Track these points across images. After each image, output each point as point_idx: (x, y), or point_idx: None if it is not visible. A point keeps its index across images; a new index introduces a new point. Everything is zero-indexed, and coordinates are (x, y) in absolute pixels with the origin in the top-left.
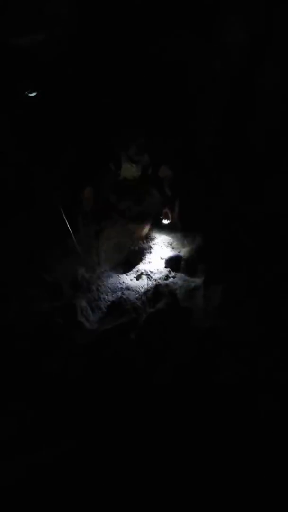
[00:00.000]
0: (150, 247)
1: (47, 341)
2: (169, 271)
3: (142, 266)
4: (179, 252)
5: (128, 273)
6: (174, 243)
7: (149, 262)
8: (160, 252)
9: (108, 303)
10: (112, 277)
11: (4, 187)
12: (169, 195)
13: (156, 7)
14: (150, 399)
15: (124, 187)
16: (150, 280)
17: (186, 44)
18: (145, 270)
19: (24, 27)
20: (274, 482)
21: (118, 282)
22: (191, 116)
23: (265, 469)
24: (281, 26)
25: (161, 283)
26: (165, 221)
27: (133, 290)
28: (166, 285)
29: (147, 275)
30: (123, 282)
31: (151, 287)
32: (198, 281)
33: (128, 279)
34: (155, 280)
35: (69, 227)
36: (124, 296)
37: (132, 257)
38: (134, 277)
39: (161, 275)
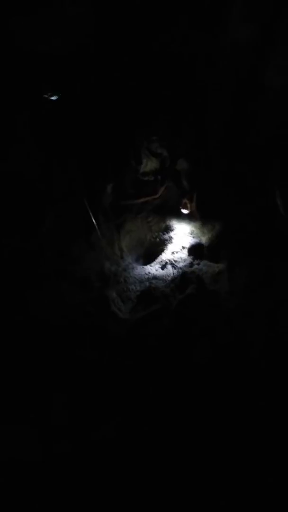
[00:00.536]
0: (171, 238)
1: (86, 332)
2: (193, 259)
3: (165, 256)
4: (199, 240)
5: (152, 264)
6: (194, 232)
7: (172, 252)
8: (181, 242)
9: (138, 293)
10: (137, 269)
11: (31, 184)
12: (186, 186)
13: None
14: (191, 379)
15: (144, 181)
16: (175, 269)
17: (193, 39)
18: (169, 260)
19: (42, 33)
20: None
21: (144, 273)
22: (203, 110)
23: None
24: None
25: (187, 270)
26: (184, 211)
27: (160, 279)
28: (192, 271)
29: (172, 264)
30: (149, 273)
31: (177, 275)
32: (222, 266)
33: (153, 269)
34: (180, 268)
35: (94, 221)
36: (152, 285)
37: (154, 248)
38: (159, 267)
39: (185, 263)
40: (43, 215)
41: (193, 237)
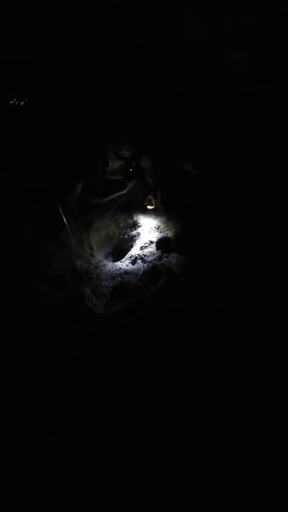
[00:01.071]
0: (139, 233)
1: (64, 329)
2: (161, 252)
3: (135, 252)
4: (166, 234)
5: (122, 260)
6: (161, 227)
7: (141, 247)
8: (149, 236)
9: (111, 288)
10: (108, 265)
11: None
12: (150, 183)
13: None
14: (171, 367)
15: (111, 180)
16: (145, 263)
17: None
18: (138, 255)
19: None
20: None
21: (115, 269)
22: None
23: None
24: None
25: (156, 263)
26: (149, 207)
27: (132, 274)
28: (162, 264)
29: (142, 258)
30: (120, 268)
31: (148, 269)
32: (188, 257)
33: (124, 265)
34: (150, 262)
35: (66, 221)
36: (125, 280)
37: (123, 244)
38: (130, 262)
39: (154, 257)
40: (22, 220)
41: (160, 232)
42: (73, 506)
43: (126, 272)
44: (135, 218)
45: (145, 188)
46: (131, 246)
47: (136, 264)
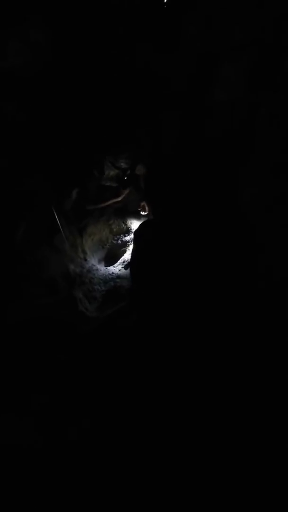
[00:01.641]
0: (132, 239)
1: (56, 332)
2: None
3: (127, 257)
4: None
5: (115, 265)
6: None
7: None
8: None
9: (103, 292)
10: (101, 270)
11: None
12: (145, 190)
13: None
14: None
15: (107, 187)
16: None
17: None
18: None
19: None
20: None
21: (108, 273)
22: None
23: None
24: None
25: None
26: (143, 213)
27: (124, 278)
28: None
29: None
30: (113, 273)
31: None
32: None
33: (117, 269)
34: None
35: (60, 225)
36: (117, 284)
37: (117, 249)
38: (122, 267)
39: None
40: (16, 222)
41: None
42: (66, 505)
43: (118, 277)
44: (128, 224)
45: (139, 194)
46: (124, 251)
47: (128, 269)
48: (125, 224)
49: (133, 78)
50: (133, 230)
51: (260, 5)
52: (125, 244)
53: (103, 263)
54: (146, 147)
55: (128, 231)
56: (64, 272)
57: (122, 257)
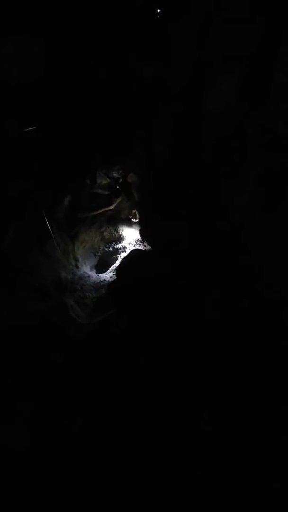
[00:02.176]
0: (124, 247)
1: (48, 336)
2: None
3: (119, 264)
4: (150, 248)
5: (107, 272)
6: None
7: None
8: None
9: (94, 299)
10: (92, 277)
11: None
12: (136, 197)
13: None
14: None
15: (99, 194)
16: None
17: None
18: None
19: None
20: None
21: (99, 280)
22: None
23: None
24: None
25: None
26: (134, 220)
27: None
28: None
29: None
30: (104, 280)
31: None
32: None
33: (108, 277)
34: None
35: (52, 232)
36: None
37: (108, 257)
38: (114, 274)
39: None
40: (5, 228)
41: (145, 246)
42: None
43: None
44: (120, 231)
45: (130, 202)
46: (116, 259)
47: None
48: (117, 232)
49: (127, 87)
50: (125, 237)
51: (252, 22)
52: (117, 251)
53: (94, 270)
54: (138, 156)
55: (120, 239)
56: (55, 279)
57: (114, 265)
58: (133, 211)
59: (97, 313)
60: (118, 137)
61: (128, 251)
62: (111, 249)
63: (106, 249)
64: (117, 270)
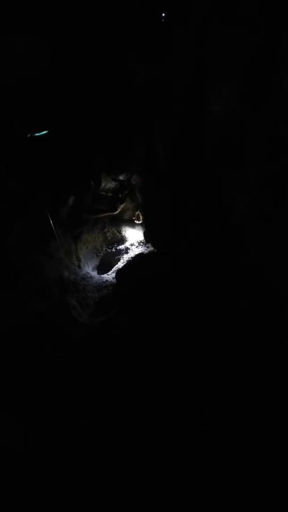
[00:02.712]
0: (127, 248)
1: (49, 336)
2: None
3: (121, 265)
4: (153, 249)
5: (109, 273)
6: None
7: (127, 260)
8: (136, 251)
9: (96, 300)
10: (95, 278)
11: None
12: (139, 199)
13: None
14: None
15: (103, 196)
16: None
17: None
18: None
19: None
20: None
21: (101, 281)
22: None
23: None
24: None
25: None
26: (137, 221)
27: None
28: None
29: None
30: (107, 281)
31: None
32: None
33: (110, 277)
34: None
35: (55, 232)
36: (110, 292)
37: (111, 257)
38: (115, 277)
39: None
40: (9, 227)
41: (148, 247)
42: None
43: (112, 285)
44: (123, 232)
45: (134, 204)
46: (118, 260)
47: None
48: (120, 233)
49: (127, 88)
50: (127, 238)
51: (254, 31)
52: (119, 252)
53: (96, 271)
54: (140, 158)
55: (122, 240)
56: (58, 279)
57: (116, 265)
58: (136, 213)
59: (99, 313)
60: (119, 138)
61: (130, 252)
62: (113, 250)
63: (109, 250)
64: (121, 271)
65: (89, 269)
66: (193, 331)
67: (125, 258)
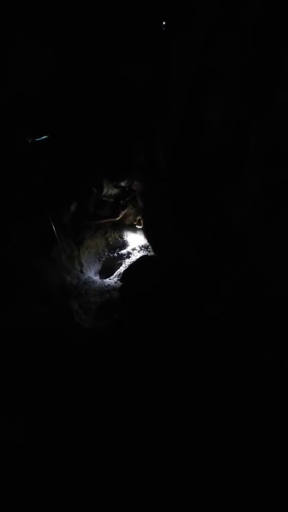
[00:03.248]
0: (129, 253)
1: (52, 340)
2: None
3: (123, 269)
4: (154, 254)
5: (111, 277)
6: (150, 247)
7: (129, 264)
8: (138, 256)
9: (98, 304)
10: (97, 282)
11: None
12: (141, 204)
13: None
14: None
15: (105, 201)
16: None
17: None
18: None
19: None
20: None
21: (104, 285)
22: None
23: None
24: None
25: None
26: (138, 226)
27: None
28: None
29: None
30: (109, 285)
31: None
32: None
33: (113, 282)
34: None
35: (58, 238)
36: (113, 296)
37: (113, 262)
38: (118, 279)
39: None
40: (9, 230)
41: (149, 252)
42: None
43: (114, 289)
44: (125, 237)
45: (136, 209)
46: (120, 264)
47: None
48: (122, 238)
49: (131, 96)
50: (129, 243)
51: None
52: (121, 257)
53: (99, 276)
54: (141, 164)
55: (124, 245)
56: (60, 284)
57: (118, 270)
58: (138, 218)
59: (102, 317)
60: (120, 145)
61: (132, 257)
62: (115, 254)
63: (111, 255)
64: (125, 274)
65: (92, 274)
66: (194, 333)
67: (127, 262)
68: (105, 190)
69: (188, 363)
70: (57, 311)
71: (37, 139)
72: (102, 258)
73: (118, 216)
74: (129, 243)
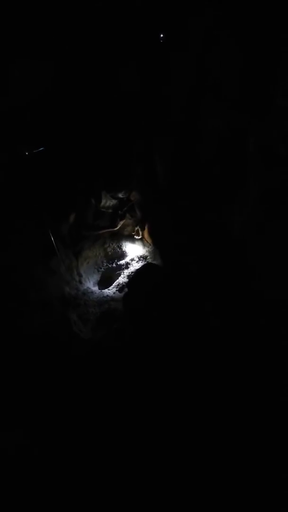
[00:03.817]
0: (127, 263)
1: (50, 350)
2: None
3: (121, 280)
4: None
5: (110, 288)
6: (148, 258)
7: (128, 275)
8: (137, 266)
9: (97, 314)
10: (96, 293)
11: None
12: (139, 215)
13: None
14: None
15: (103, 213)
16: None
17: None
18: (125, 283)
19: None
20: None
21: (102, 296)
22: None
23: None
24: None
25: None
26: (136, 237)
27: (118, 301)
28: None
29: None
30: (107, 296)
31: None
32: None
33: (111, 292)
34: None
35: (57, 249)
36: (112, 307)
37: (111, 273)
38: (116, 290)
39: None
40: (9, 242)
41: (149, 260)
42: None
43: (113, 299)
44: (124, 248)
45: (133, 219)
46: (119, 275)
47: (123, 292)
48: (120, 248)
49: (129, 106)
50: (128, 254)
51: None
52: (120, 267)
53: (97, 286)
54: (139, 175)
55: (123, 255)
56: (59, 294)
57: (117, 280)
58: (136, 228)
59: (101, 327)
60: (119, 158)
61: (131, 267)
62: (114, 265)
63: (110, 265)
64: (129, 283)
65: (90, 284)
66: (195, 337)
67: (126, 273)
68: (103, 201)
69: (190, 366)
70: (55, 322)
71: (35, 151)
72: (101, 268)
73: (116, 226)
74: (128, 254)
